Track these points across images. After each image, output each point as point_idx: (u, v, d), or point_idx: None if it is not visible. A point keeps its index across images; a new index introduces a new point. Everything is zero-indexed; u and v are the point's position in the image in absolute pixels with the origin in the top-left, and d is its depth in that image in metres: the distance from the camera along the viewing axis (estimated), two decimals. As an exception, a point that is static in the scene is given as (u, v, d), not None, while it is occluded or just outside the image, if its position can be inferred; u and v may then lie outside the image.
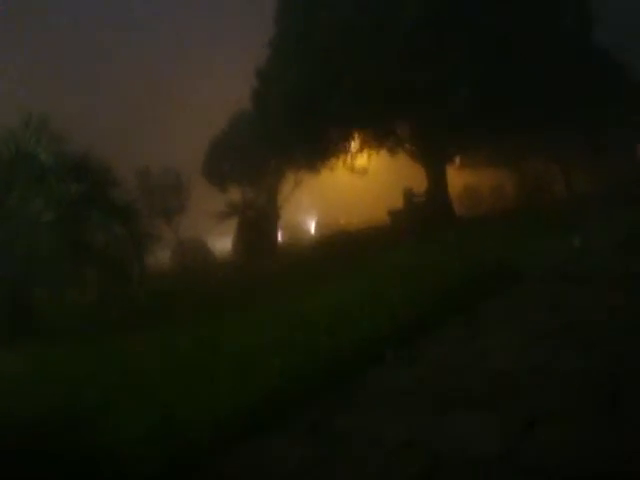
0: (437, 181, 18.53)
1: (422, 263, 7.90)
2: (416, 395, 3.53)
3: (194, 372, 4.49)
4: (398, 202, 20.31)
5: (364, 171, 21.79)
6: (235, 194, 27.44)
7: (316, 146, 18.73)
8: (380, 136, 19.56)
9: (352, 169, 21.47)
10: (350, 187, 29.06)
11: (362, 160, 21.60)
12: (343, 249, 14.47)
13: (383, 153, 21.33)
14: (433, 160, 18.58)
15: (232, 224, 26.37)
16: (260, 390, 3.71)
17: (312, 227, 36.30)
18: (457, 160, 25.05)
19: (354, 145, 20.30)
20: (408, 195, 18.72)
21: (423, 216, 17.38)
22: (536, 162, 32.48)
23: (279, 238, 24.54)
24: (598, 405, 2.96)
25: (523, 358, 3.85)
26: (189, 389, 4.05)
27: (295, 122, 17.72)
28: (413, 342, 4.56)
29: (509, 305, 5.51)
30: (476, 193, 33.86)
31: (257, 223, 23.96)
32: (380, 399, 3.59)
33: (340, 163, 20.88)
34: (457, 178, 32.45)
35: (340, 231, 25.18)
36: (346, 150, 20.35)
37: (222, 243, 31.46)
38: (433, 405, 3.33)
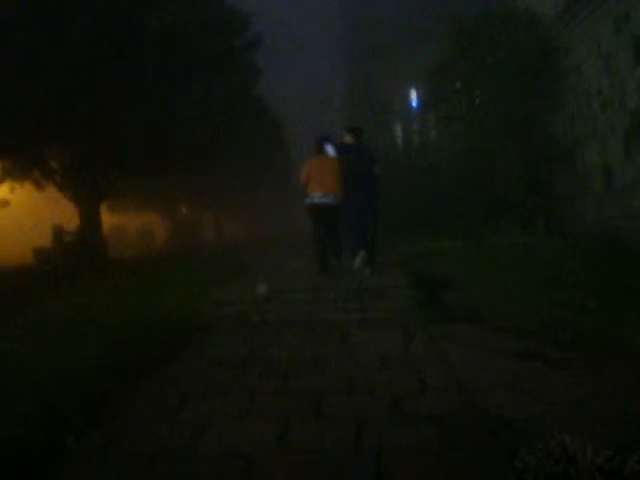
0: (90, 219, 17.10)
1: (86, 313, 6.74)
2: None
3: None
4: (47, 239, 18.37)
5: (5, 204, 19.26)
6: None
7: None
8: (25, 167, 17.42)
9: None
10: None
11: (2, 192, 19.08)
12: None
13: (29, 185, 19.11)
14: (86, 197, 17.13)
15: None
16: None
17: None
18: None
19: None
20: (57, 233, 16.89)
21: (74, 256, 15.81)
22: (189, 208, 33.05)
23: None
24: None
25: (253, 432, 3.19)
26: None
27: None
28: (100, 423, 3.48)
29: (208, 362, 4.85)
30: (124, 235, 32.91)
31: None
32: None
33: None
34: (105, 218, 31.23)
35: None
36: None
37: None
38: None
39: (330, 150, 8.52)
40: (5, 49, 12.59)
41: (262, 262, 12.56)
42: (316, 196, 8.36)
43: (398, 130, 33.60)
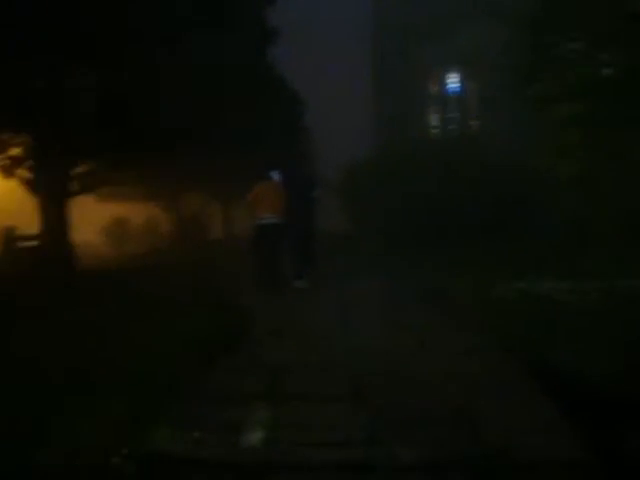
0: (55, 218, 13.35)
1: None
2: None
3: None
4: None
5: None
6: None
7: None
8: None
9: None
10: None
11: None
12: None
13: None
14: (51, 189, 13.37)
15: None
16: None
17: None
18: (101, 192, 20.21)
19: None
20: (9, 237, 13.11)
21: (30, 267, 12.15)
22: (195, 197, 29.37)
23: None
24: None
25: None
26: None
27: None
28: None
29: None
30: (126, 228, 29.27)
31: None
32: None
33: None
34: (102, 210, 27.72)
35: None
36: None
37: None
38: None
39: (275, 176, 9.80)
40: None
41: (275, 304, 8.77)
42: (263, 217, 9.44)
43: (435, 119, 29.58)
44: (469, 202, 12.14)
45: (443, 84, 29.06)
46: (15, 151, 13.83)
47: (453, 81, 28.91)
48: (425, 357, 5.23)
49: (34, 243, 13.42)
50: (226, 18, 11.74)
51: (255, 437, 3.63)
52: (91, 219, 27.06)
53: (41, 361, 5.29)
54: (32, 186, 13.77)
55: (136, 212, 29.94)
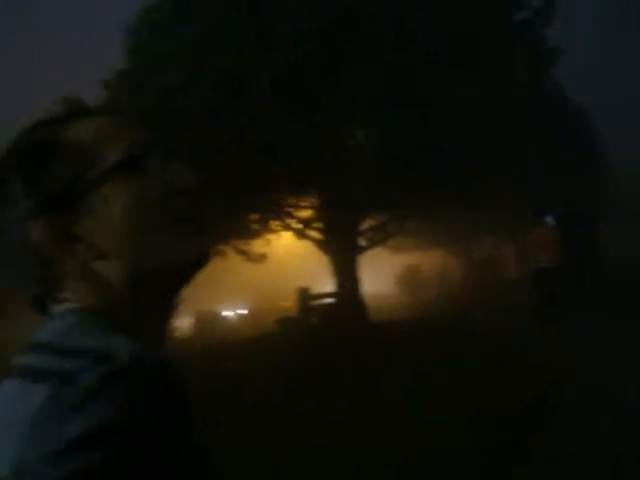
0: (347, 274, 13.40)
1: None
2: None
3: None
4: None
5: (262, 258, 16.63)
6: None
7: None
8: (280, 217, 14.61)
9: (247, 256, 16.30)
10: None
11: (260, 245, 16.54)
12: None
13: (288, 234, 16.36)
14: (341, 246, 13.49)
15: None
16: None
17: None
18: (392, 240, 20.24)
19: (247, 228, 15.14)
20: (302, 296, 13.34)
21: (325, 327, 12.19)
22: (487, 240, 28.16)
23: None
24: None
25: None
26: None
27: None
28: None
29: None
30: (418, 275, 29.16)
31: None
32: None
33: (231, 249, 15.67)
34: (396, 259, 28.05)
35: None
36: (238, 234, 15.11)
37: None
38: None
39: (549, 220, 10.21)
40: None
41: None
42: (539, 260, 9.97)
43: None
44: None
45: None
46: (305, 213, 14.49)
47: None
48: None
49: (330, 301, 13.55)
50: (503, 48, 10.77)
51: None
52: (384, 270, 27.56)
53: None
54: (323, 245, 14.15)
55: (428, 259, 29.81)
